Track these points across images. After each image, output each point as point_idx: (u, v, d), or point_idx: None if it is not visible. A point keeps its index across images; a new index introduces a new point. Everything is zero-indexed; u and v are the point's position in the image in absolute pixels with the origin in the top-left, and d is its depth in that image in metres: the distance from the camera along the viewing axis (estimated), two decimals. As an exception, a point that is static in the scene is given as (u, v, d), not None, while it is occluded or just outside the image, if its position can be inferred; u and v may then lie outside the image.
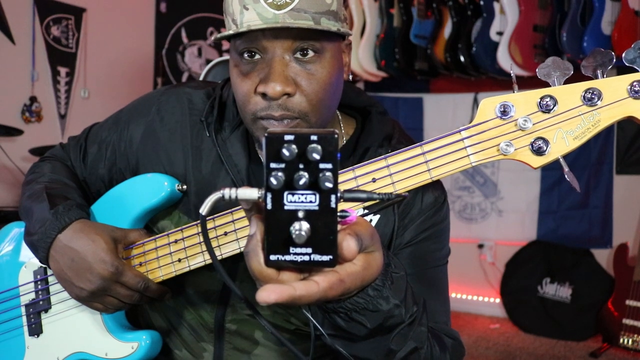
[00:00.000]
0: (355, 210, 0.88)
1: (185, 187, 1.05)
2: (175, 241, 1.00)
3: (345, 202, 0.56)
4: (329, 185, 0.51)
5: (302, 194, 0.52)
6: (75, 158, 1.17)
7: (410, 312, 0.77)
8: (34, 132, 3.42)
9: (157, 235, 1.02)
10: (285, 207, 0.52)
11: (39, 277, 1.12)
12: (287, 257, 0.53)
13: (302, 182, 0.51)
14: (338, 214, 0.53)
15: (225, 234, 0.94)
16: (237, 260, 0.98)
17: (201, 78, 2.62)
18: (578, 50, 3.32)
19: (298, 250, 0.53)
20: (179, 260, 0.99)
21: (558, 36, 3.44)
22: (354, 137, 1.05)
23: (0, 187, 3.32)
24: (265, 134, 0.53)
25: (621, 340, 3.20)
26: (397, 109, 4.29)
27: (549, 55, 3.50)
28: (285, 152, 0.51)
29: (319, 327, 0.75)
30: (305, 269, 0.57)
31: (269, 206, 0.52)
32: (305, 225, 0.52)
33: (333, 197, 0.52)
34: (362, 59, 3.91)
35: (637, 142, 3.56)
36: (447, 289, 1.04)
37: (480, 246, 4.10)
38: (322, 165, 0.52)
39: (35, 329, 1.11)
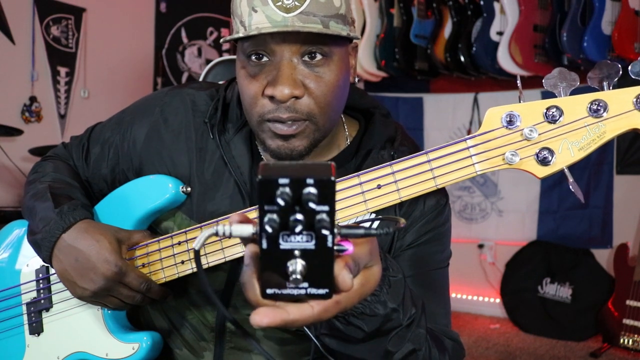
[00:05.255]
0: (361, 215, 0.87)
1: (189, 189, 1.04)
2: (179, 243, 0.99)
3: (342, 238, 0.55)
4: (325, 232, 0.50)
5: (298, 234, 0.51)
6: (77, 158, 1.17)
7: (409, 314, 0.77)
8: (34, 132, 3.41)
9: (161, 237, 1.02)
10: (281, 247, 0.51)
11: (40, 276, 1.12)
12: (284, 291, 0.53)
13: (297, 228, 0.50)
14: (335, 248, 0.52)
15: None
16: (239, 263, 0.98)
17: (201, 78, 2.61)
18: (578, 50, 3.31)
19: (294, 284, 0.52)
20: (182, 262, 0.99)
21: (558, 36, 3.44)
22: (357, 139, 1.06)
23: (0, 187, 3.31)
24: (259, 177, 0.50)
25: (621, 341, 3.20)
26: (397, 109, 4.29)
27: (549, 55, 3.51)
28: (279, 199, 0.49)
29: (314, 340, 0.74)
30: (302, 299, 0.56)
31: (264, 246, 0.51)
32: (300, 264, 0.51)
33: (330, 238, 0.51)
34: (362, 59, 3.91)
35: (637, 142, 3.56)
36: (447, 291, 1.04)
37: (481, 246, 4.10)
38: (318, 208, 0.50)
39: (36, 328, 1.11)
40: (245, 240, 0.57)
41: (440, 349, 0.88)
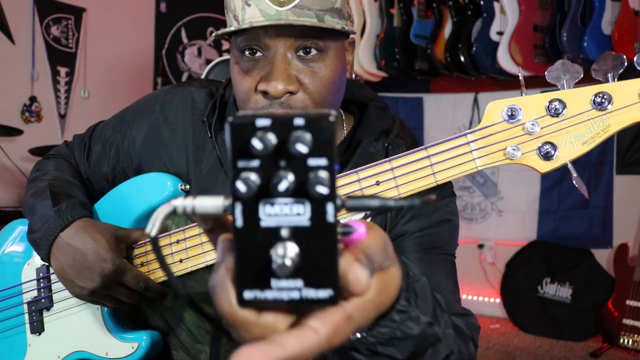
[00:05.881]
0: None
1: (188, 187, 1.04)
2: (177, 241, 0.99)
3: (348, 213, 0.43)
4: (323, 190, 0.35)
5: (286, 204, 0.36)
6: (79, 156, 1.17)
7: (443, 322, 0.62)
8: (34, 132, 3.41)
9: (159, 235, 1.01)
10: (262, 224, 0.37)
11: (41, 275, 1.12)
12: (268, 294, 0.38)
13: (283, 186, 0.36)
14: (339, 230, 0.37)
15: None
16: None
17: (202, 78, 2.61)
18: (578, 50, 3.31)
19: (283, 283, 0.37)
20: (181, 261, 0.99)
21: (558, 36, 3.44)
22: (350, 133, 1.04)
23: (0, 187, 3.31)
24: (229, 119, 0.37)
25: (621, 341, 3.19)
26: (397, 109, 4.28)
27: (549, 55, 3.50)
28: (256, 144, 0.35)
29: None
30: (296, 308, 0.39)
31: (239, 223, 0.37)
32: (292, 249, 0.36)
33: (330, 207, 0.36)
34: (362, 59, 3.91)
35: (637, 142, 3.56)
36: (455, 275, 0.97)
37: (481, 246, 4.10)
38: (312, 162, 0.36)
39: (37, 327, 1.11)
40: (212, 228, 0.44)
41: (463, 338, 0.78)
